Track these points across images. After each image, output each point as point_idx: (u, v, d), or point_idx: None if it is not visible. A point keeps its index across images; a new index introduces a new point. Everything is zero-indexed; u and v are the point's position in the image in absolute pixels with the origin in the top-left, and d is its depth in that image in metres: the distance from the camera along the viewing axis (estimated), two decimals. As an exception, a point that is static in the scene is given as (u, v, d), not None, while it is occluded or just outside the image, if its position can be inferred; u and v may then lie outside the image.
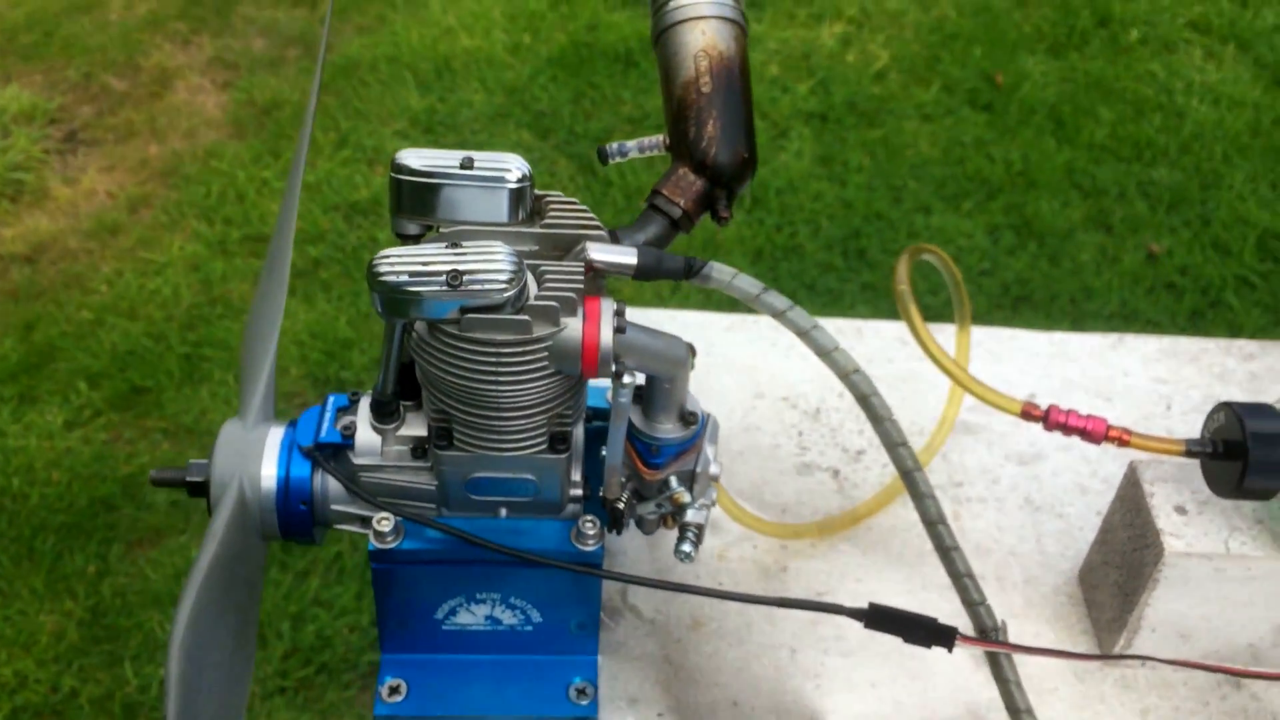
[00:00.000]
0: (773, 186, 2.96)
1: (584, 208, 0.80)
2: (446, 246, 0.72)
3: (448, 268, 0.71)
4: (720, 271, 0.78)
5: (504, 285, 0.71)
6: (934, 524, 0.82)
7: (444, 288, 0.71)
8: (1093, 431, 0.85)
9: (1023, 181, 2.95)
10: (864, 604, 0.79)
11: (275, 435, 0.85)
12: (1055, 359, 1.14)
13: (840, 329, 1.17)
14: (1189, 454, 0.84)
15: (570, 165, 3.01)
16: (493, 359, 0.74)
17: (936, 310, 2.33)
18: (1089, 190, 2.93)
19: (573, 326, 0.74)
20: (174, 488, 0.87)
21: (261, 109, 3.16)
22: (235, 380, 2.68)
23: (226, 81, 3.26)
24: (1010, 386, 1.12)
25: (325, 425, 0.84)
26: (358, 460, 0.83)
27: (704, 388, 0.74)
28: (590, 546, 0.83)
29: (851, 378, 0.80)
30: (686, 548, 0.81)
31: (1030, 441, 1.07)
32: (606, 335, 0.75)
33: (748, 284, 0.78)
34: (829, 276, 2.79)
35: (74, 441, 2.41)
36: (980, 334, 1.17)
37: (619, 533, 0.86)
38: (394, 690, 0.88)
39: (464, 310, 0.72)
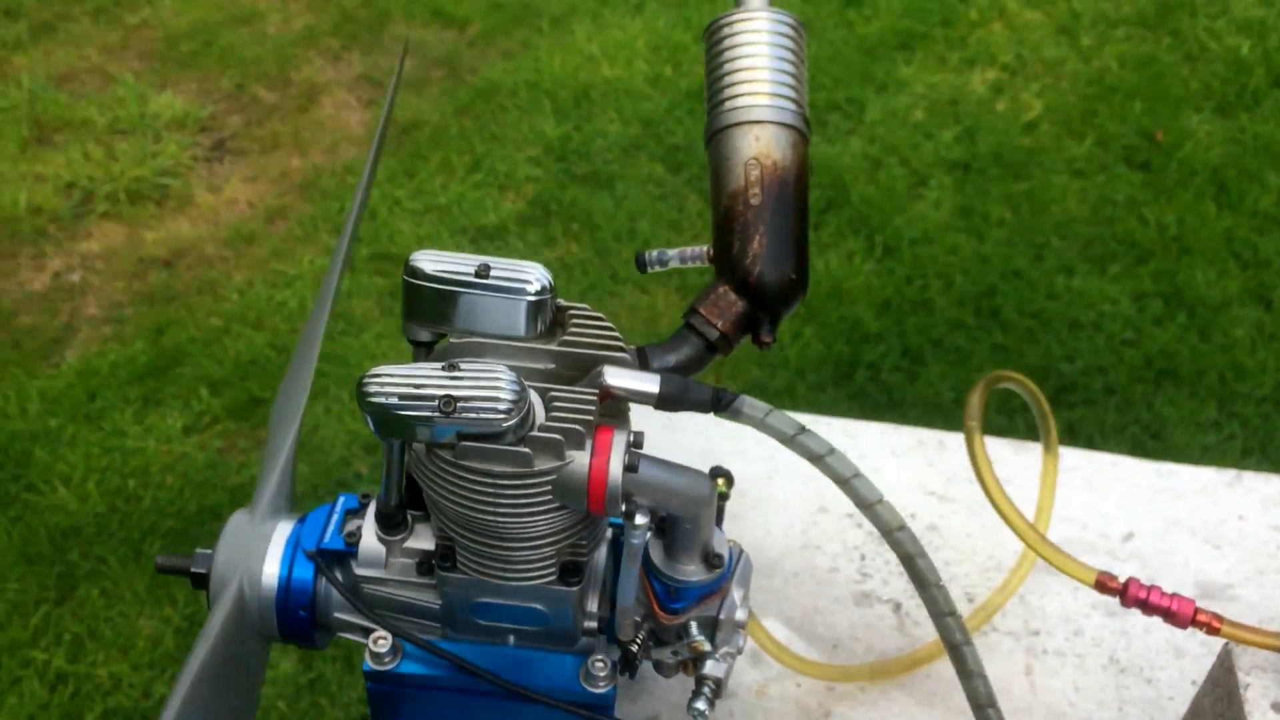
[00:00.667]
0: (907, 236, 2.85)
1: (608, 324, 0.74)
2: (443, 368, 0.66)
3: (441, 392, 0.65)
4: (752, 408, 0.71)
5: (501, 415, 0.65)
6: (983, 708, 0.72)
7: (436, 413, 0.65)
8: (1178, 614, 0.74)
9: (1176, 247, 2.77)
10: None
11: (283, 532, 0.81)
12: (1161, 493, 1.03)
13: (922, 441, 1.08)
14: (1289, 649, 0.73)
15: (699, 202, 2.95)
16: (491, 489, 0.68)
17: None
18: (1249, 261, 2.74)
19: (579, 461, 0.68)
20: (179, 575, 0.83)
21: (401, 128, 3.18)
22: (350, 398, 2.70)
23: (371, 99, 3.29)
24: (1105, 522, 1.01)
25: (330, 529, 0.79)
26: (359, 570, 0.78)
27: (764, 496, 0.67)
28: (600, 689, 0.77)
29: (895, 535, 0.71)
30: (701, 705, 0.74)
31: (1122, 589, 0.96)
32: (615, 473, 0.68)
33: (782, 423, 0.71)
34: (958, 334, 2.66)
35: (190, 447, 2.45)
36: (1076, 458, 1.07)
37: (631, 676, 0.79)
38: (389, 813, 0.83)
39: (460, 436, 0.66)
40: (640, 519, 0.70)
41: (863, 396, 2.55)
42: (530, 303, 0.71)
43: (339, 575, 0.79)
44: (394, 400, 0.65)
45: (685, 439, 0.66)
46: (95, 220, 3.00)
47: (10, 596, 2.16)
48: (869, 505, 0.71)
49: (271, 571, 0.80)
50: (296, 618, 0.80)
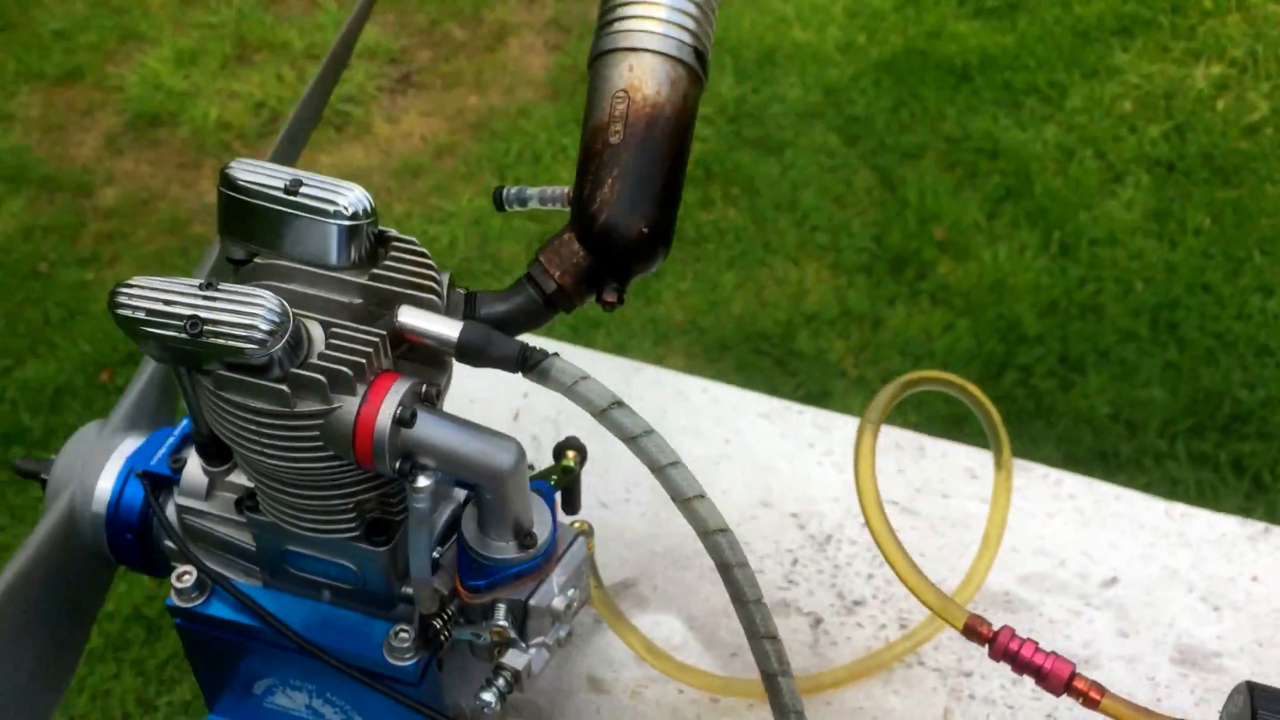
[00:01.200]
0: (1089, 235, 2.62)
1: (428, 260, 0.66)
2: (201, 285, 0.60)
3: (190, 312, 0.59)
4: (562, 372, 0.62)
5: (250, 345, 0.58)
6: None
7: (183, 334, 0.59)
8: (1050, 676, 0.61)
9: (1399, 281, 2.45)
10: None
11: (127, 448, 0.77)
12: (1166, 538, 0.87)
13: (899, 443, 0.95)
14: (1179, 750, 0.59)
15: (870, 177, 2.80)
16: (253, 427, 0.62)
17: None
18: None
19: (347, 407, 0.61)
20: (31, 479, 0.81)
21: (580, 75, 3.14)
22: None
23: (556, 44, 3.27)
24: (1088, 562, 0.87)
25: (163, 452, 0.75)
26: (180, 500, 0.73)
27: (707, 480, 0.59)
28: (400, 661, 0.70)
29: (713, 538, 0.61)
30: (488, 696, 0.66)
31: (1086, 642, 0.82)
32: (384, 424, 0.60)
33: (594, 393, 0.61)
34: (1127, 346, 2.44)
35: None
36: (1077, 485, 0.92)
37: (434, 654, 0.71)
38: (203, 756, 0.79)
39: (227, 366, 0.60)
40: (423, 481, 0.62)
41: (1008, 400, 2.37)
42: (340, 227, 0.64)
43: (161, 501, 0.74)
44: (140, 314, 0.59)
45: (642, 412, 0.58)
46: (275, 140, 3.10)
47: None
48: (685, 499, 0.61)
49: (105, 487, 0.76)
50: (124, 540, 0.76)
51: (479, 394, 0.97)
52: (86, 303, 2.56)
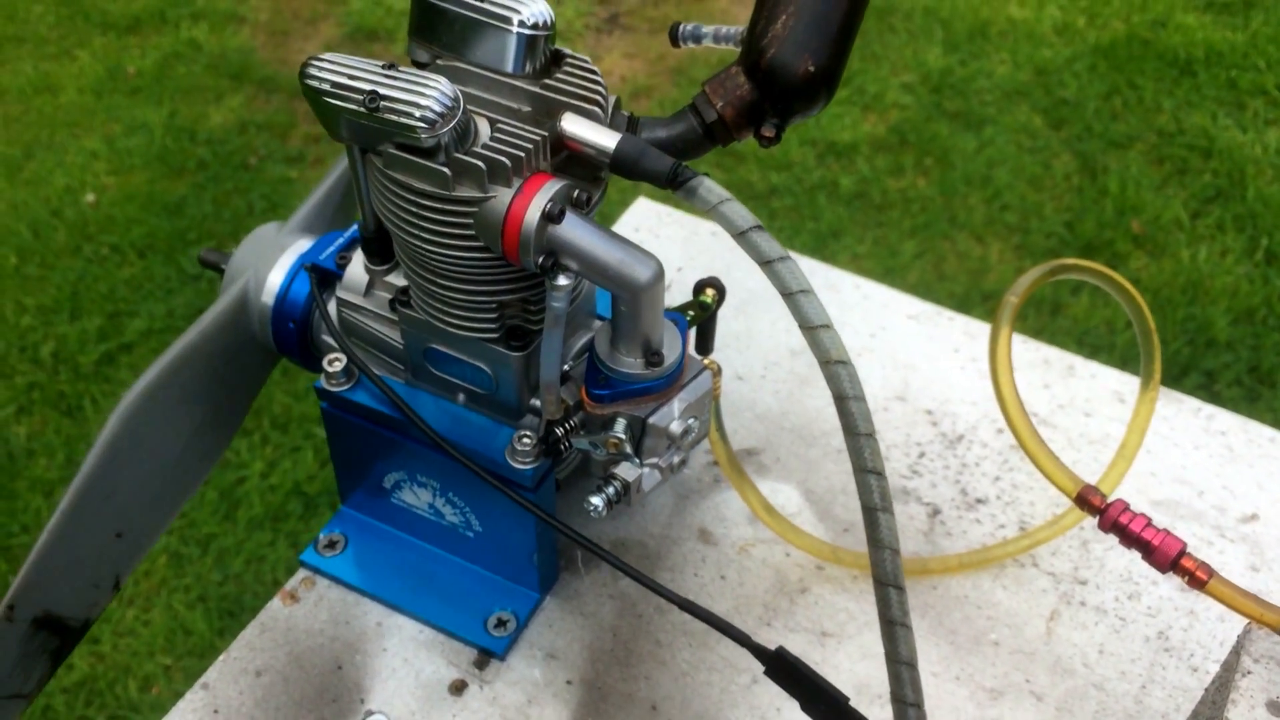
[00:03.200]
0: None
1: (598, 77, 0.68)
2: (384, 66, 0.64)
3: (370, 88, 0.63)
4: (709, 190, 0.63)
5: (420, 123, 0.62)
6: (885, 585, 0.62)
7: (360, 108, 0.63)
8: (1159, 550, 0.60)
9: None
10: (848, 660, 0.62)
11: (299, 247, 0.82)
12: (1318, 486, 0.84)
13: (1048, 359, 0.94)
14: (1286, 634, 0.57)
15: (1071, 162, 2.72)
16: (414, 209, 0.65)
17: None
18: None
19: (500, 197, 0.64)
20: (210, 268, 0.87)
21: (785, 33, 3.14)
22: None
23: None
24: (1230, 496, 0.84)
25: (331, 250, 0.80)
26: (341, 294, 0.78)
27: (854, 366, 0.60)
28: (520, 464, 0.73)
29: (832, 367, 0.62)
30: (596, 500, 0.68)
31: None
32: (532, 217, 0.63)
33: (736, 214, 0.63)
34: (1323, 363, 2.32)
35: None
36: (1230, 422, 0.89)
37: (554, 460, 0.74)
38: (331, 544, 0.84)
39: (394, 144, 0.64)
40: (562, 280, 0.65)
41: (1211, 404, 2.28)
42: (517, 35, 0.67)
43: (324, 295, 0.79)
44: (326, 86, 0.63)
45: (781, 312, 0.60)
46: None
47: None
48: (811, 328, 0.62)
49: (276, 279, 0.81)
50: (286, 329, 0.81)
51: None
52: (288, 197, 2.69)
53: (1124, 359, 2.30)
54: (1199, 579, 0.59)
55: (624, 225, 1.04)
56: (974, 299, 2.47)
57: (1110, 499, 0.62)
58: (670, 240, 1.01)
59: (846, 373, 0.62)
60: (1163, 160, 2.73)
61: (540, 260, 0.64)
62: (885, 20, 3.10)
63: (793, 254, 1.00)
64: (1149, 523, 0.61)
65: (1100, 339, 2.36)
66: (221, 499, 2.15)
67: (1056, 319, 2.42)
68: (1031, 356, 0.92)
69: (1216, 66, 2.89)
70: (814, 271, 0.99)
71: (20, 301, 2.49)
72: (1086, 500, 0.62)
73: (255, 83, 2.99)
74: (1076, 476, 0.64)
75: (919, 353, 0.94)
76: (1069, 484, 0.63)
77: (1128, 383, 0.91)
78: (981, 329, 0.95)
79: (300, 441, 2.27)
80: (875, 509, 0.62)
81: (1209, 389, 2.33)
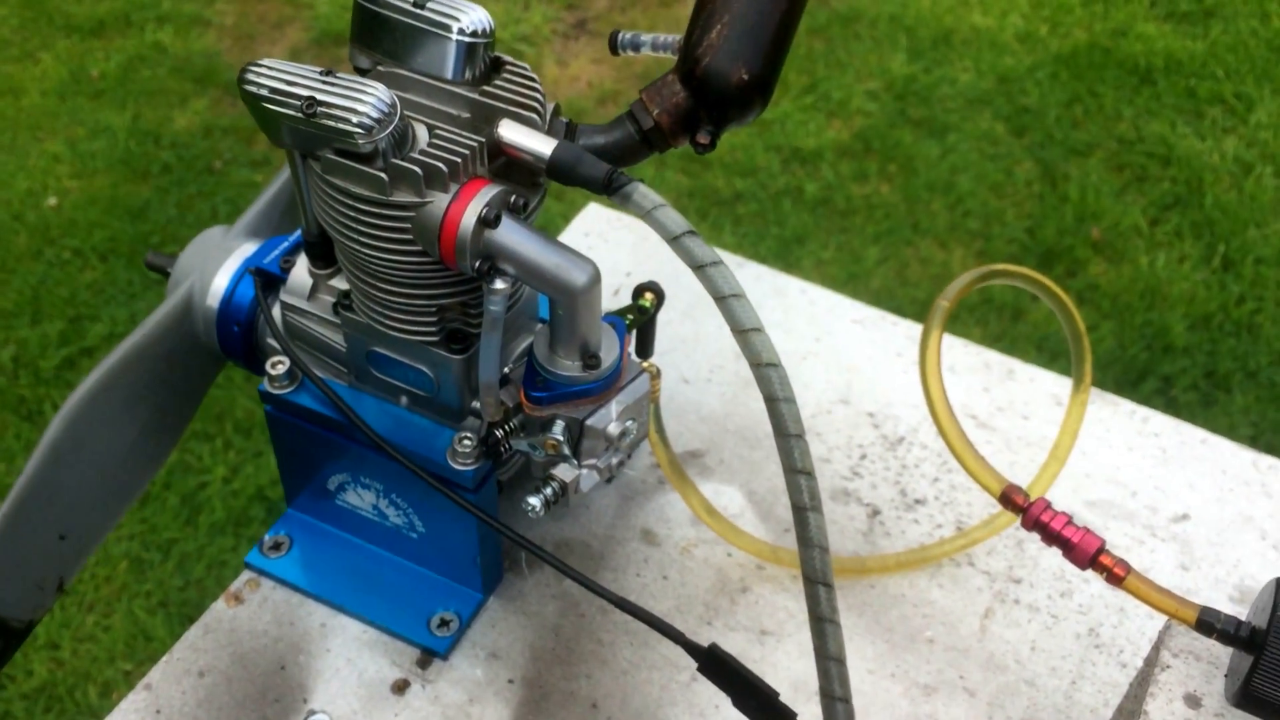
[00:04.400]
0: (1255, 253, 2.53)
1: (535, 84, 0.69)
2: (322, 72, 0.65)
3: (308, 93, 0.64)
4: (644, 196, 0.64)
5: (357, 129, 0.63)
6: (814, 583, 0.63)
7: (299, 114, 0.64)
8: (1078, 548, 0.61)
9: None
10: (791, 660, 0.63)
11: (245, 251, 0.83)
12: (1247, 486, 0.85)
13: (989, 363, 0.95)
14: (1200, 626, 0.59)
15: (1032, 169, 2.75)
16: (353, 214, 0.66)
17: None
18: None
19: (438, 202, 0.65)
20: (159, 273, 0.88)
21: (751, 40, 3.16)
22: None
23: (731, 7, 3.28)
24: (1162, 496, 0.86)
25: (276, 254, 0.80)
26: (285, 298, 0.78)
27: (790, 374, 0.61)
28: (461, 465, 0.74)
29: (764, 370, 0.63)
30: (534, 500, 0.69)
31: (1144, 569, 0.81)
32: (468, 222, 0.64)
33: (670, 220, 0.64)
34: (1279, 369, 2.36)
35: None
36: (1163, 424, 0.91)
37: (495, 462, 0.75)
38: (276, 546, 0.84)
39: (333, 149, 0.65)
40: (499, 284, 0.66)
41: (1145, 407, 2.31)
42: (458, 43, 0.68)
43: (269, 298, 0.80)
44: (264, 91, 0.64)
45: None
46: None
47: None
48: (743, 330, 0.63)
49: (220, 283, 0.82)
50: (230, 331, 0.82)
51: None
52: (253, 201, 2.68)
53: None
54: (1117, 575, 0.61)
55: (574, 230, 1.05)
56: (935, 304, 2.49)
57: (1041, 498, 0.63)
58: (619, 245, 1.03)
59: (777, 375, 0.63)
60: (1122, 168, 2.76)
61: (477, 265, 0.65)
62: (850, 27, 3.13)
63: (748, 261, 1.02)
64: (1069, 521, 0.63)
65: (1059, 344, 2.39)
66: (183, 504, 2.14)
67: (1017, 325, 2.45)
68: (972, 360, 0.94)
69: (1176, 75, 2.92)
70: (761, 277, 1.00)
71: (-20, 305, 2.47)
72: (1010, 499, 0.64)
73: (220, 86, 2.98)
74: (1000, 476, 0.65)
75: (862, 356, 0.95)
76: (994, 483, 0.65)
77: (1066, 385, 0.93)
78: (918, 330, 0.96)
79: (263, 446, 2.27)
80: (805, 508, 0.63)
81: (1165, 394, 2.36)
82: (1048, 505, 0.63)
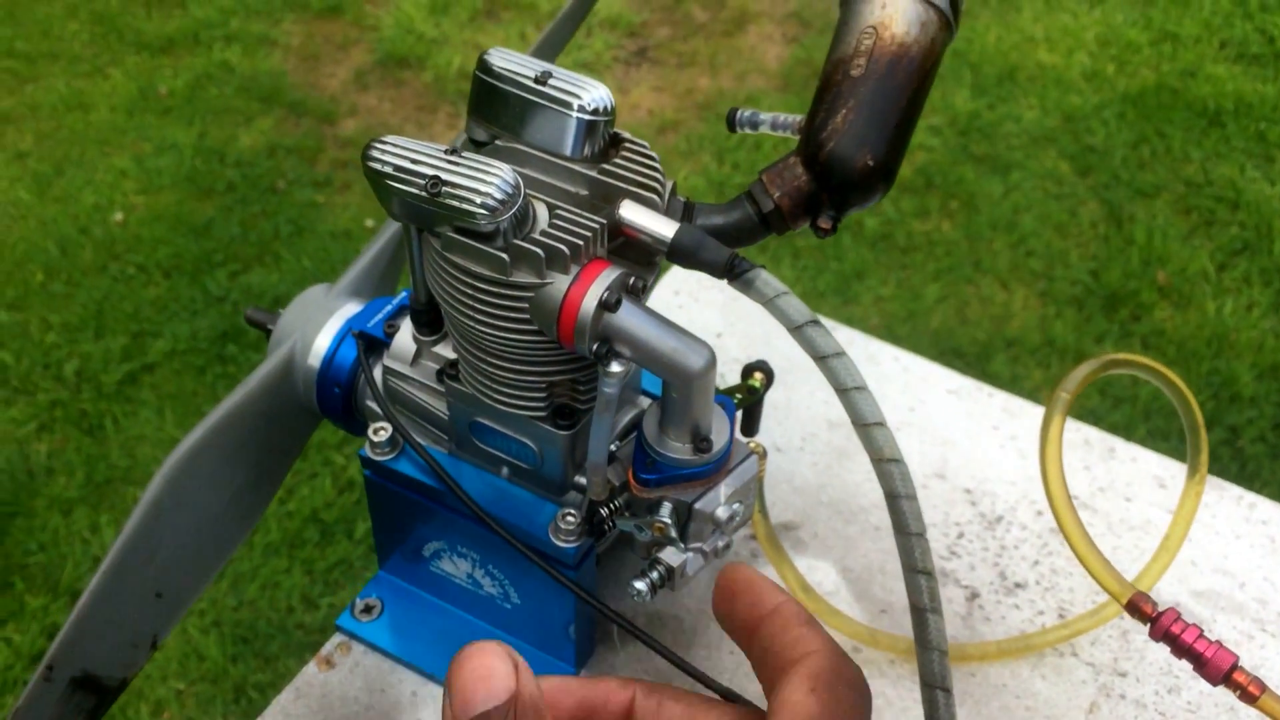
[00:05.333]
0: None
1: (655, 162, 0.68)
2: (447, 151, 0.64)
3: (432, 172, 0.63)
4: (765, 284, 0.63)
5: (481, 210, 0.62)
6: (932, 687, 0.62)
7: (423, 192, 0.63)
8: (1211, 663, 0.60)
9: None
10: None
11: (347, 311, 0.83)
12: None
13: (1089, 440, 0.94)
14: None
15: (1097, 210, 2.72)
16: (470, 291, 0.66)
17: None
18: None
19: (558, 283, 0.64)
20: (257, 328, 0.88)
21: (813, 71, 3.16)
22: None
23: (794, 37, 3.28)
24: (1273, 589, 0.84)
25: (380, 317, 0.80)
26: (388, 363, 0.78)
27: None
28: (562, 542, 0.73)
29: (885, 465, 0.62)
30: (640, 585, 0.68)
31: (1254, 666, 0.79)
32: (589, 305, 0.63)
33: (793, 308, 0.63)
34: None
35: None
36: (1272, 511, 0.88)
37: (597, 540, 0.74)
38: (367, 609, 0.84)
39: (456, 230, 0.64)
40: (616, 367, 0.65)
41: (1210, 458, 2.27)
42: (579, 120, 0.67)
43: (371, 362, 0.79)
44: (389, 169, 0.64)
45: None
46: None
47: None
48: (865, 424, 0.62)
49: (322, 343, 0.82)
50: (331, 393, 0.81)
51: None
52: (314, 221, 2.70)
53: (1147, 413, 2.30)
54: (1251, 694, 0.59)
55: (664, 288, 1.04)
56: (997, 345, 2.47)
57: (1154, 595, 0.61)
58: (710, 305, 1.02)
59: (899, 471, 0.62)
60: (1190, 211, 2.73)
61: (595, 347, 0.64)
62: (938, 68, 3.11)
63: (842, 325, 1.00)
64: (1201, 634, 0.61)
65: (1124, 390, 2.35)
66: (241, 526, 2.15)
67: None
68: (1072, 437, 0.92)
69: (1245, 118, 2.89)
70: (853, 341, 0.99)
71: (45, 318, 2.50)
72: (1138, 608, 0.62)
73: (285, 106, 3.01)
74: (1126, 581, 0.63)
75: (958, 428, 0.94)
76: (1120, 590, 0.63)
77: (1168, 467, 0.91)
78: (1021, 406, 0.95)
79: (318, 468, 2.28)
80: (925, 609, 0.62)
81: (1233, 444, 2.32)
82: (1178, 616, 0.61)
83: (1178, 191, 2.75)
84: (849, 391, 0.62)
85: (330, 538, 2.21)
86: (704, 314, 1.02)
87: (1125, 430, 2.27)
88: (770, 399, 0.95)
